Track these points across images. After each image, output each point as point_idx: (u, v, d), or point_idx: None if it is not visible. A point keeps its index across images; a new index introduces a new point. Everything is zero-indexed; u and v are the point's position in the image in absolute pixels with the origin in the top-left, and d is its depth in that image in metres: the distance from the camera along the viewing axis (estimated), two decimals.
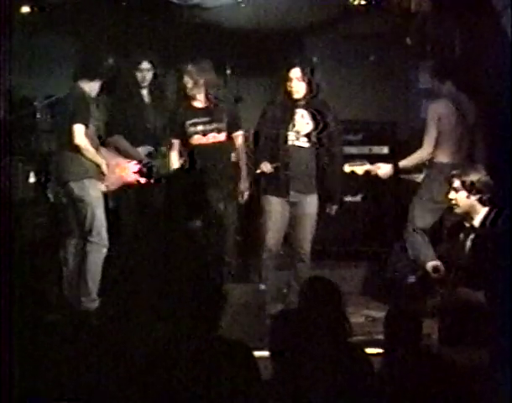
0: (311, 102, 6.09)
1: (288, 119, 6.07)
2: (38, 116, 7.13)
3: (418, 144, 6.52)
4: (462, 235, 5.19)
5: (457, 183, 5.15)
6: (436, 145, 6.25)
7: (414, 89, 7.69)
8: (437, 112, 6.27)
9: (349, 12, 7.55)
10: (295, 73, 6.02)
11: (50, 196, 6.91)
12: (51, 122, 6.94)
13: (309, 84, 6.04)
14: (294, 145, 6.08)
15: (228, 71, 7.82)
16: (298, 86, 6.03)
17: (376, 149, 7.66)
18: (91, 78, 6.13)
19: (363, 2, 7.14)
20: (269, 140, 6.10)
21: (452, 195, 5.16)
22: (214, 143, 6.33)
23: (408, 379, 3.41)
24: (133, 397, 3.36)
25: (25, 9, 7.00)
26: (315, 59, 7.90)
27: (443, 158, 6.25)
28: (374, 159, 7.15)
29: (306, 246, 6.18)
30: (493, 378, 3.76)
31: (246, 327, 5.13)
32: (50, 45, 7.85)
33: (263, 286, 5.80)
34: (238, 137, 6.42)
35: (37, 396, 3.19)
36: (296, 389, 3.43)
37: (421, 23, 7.33)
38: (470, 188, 5.08)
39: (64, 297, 6.00)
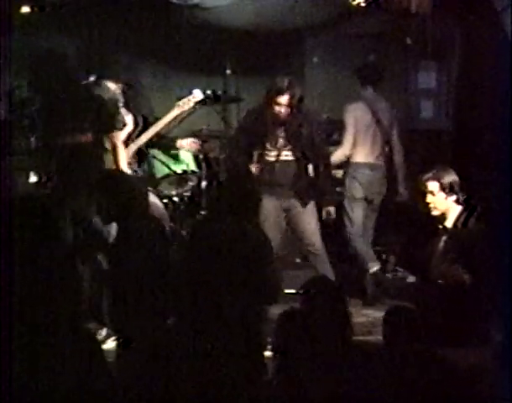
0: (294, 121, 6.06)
1: (270, 137, 6.10)
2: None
3: (418, 144, 6.55)
4: (437, 236, 5.19)
5: (433, 186, 5.12)
6: (353, 145, 6.65)
7: (414, 89, 7.69)
8: (353, 114, 6.66)
9: (349, 12, 7.54)
10: (284, 99, 6.00)
11: None
12: None
13: (294, 110, 6.02)
14: (279, 160, 6.12)
15: (228, 71, 7.83)
16: (284, 112, 6.02)
17: None
18: None
19: (362, 3, 7.13)
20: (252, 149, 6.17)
21: (430, 198, 5.13)
22: (77, 143, 5.80)
23: (407, 379, 3.41)
24: (134, 397, 3.36)
25: (25, 9, 7.00)
26: (315, 59, 7.93)
27: (359, 157, 6.66)
28: None
29: (316, 240, 6.21)
30: (493, 378, 3.76)
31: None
32: (50, 45, 7.85)
33: None
34: (114, 138, 5.88)
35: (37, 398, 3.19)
36: (298, 388, 3.43)
37: (421, 23, 7.34)
38: (448, 190, 5.07)
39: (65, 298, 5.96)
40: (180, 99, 7.63)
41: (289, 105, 6.00)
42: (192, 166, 7.43)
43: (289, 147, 6.11)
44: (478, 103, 6.57)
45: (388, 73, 7.80)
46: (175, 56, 8.09)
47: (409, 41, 7.53)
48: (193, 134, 7.75)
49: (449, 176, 5.14)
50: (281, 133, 6.11)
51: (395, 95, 7.85)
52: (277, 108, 6.03)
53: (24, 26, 7.01)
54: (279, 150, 6.11)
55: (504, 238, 4.79)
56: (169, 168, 7.23)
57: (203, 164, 7.63)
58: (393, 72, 7.85)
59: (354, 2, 7.16)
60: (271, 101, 6.04)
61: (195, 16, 7.49)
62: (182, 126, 7.79)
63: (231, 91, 7.97)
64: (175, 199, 7.49)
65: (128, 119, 6.38)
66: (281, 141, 6.11)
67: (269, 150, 6.13)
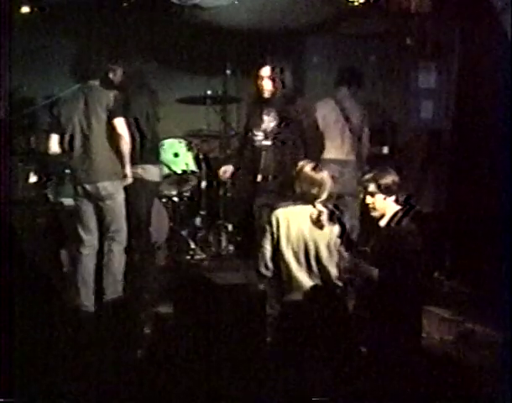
0: (280, 101, 5.93)
1: (257, 119, 5.99)
2: (38, 116, 7.15)
3: (417, 144, 6.54)
4: (373, 236, 5.22)
5: (372, 187, 5.13)
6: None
7: (414, 89, 7.69)
8: (321, 111, 6.66)
9: (349, 12, 7.54)
10: (266, 71, 5.92)
11: (50, 196, 6.91)
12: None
13: (277, 82, 5.89)
14: (262, 144, 5.96)
15: (228, 71, 7.83)
16: (268, 85, 5.92)
17: (376, 149, 7.66)
18: None
19: (362, 2, 7.13)
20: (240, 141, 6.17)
21: (369, 199, 5.15)
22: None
23: (408, 379, 3.41)
24: (131, 396, 3.36)
25: (25, 9, 7.01)
26: (315, 59, 7.93)
27: (329, 154, 6.57)
28: (374, 159, 7.16)
29: None
30: (494, 378, 3.76)
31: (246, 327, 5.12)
32: (50, 45, 7.86)
33: (263, 286, 5.80)
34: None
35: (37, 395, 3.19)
36: (297, 387, 3.43)
37: (421, 23, 7.34)
38: (386, 191, 5.08)
39: (64, 297, 5.98)
40: (180, 99, 7.66)
41: (272, 78, 5.88)
42: (192, 166, 7.44)
43: (277, 130, 5.90)
44: (478, 103, 6.57)
45: (388, 73, 7.84)
46: (175, 56, 8.10)
47: (409, 41, 7.53)
48: (193, 134, 7.77)
49: (388, 177, 5.14)
50: (269, 113, 5.96)
51: (395, 95, 7.87)
52: (259, 82, 5.93)
53: (24, 26, 7.02)
54: (265, 131, 5.93)
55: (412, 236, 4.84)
56: (170, 168, 7.24)
57: (203, 164, 7.65)
58: (393, 72, 7.86)
59: (355, 3, 7.16)
60: (256, 78, 5.95)
61: (195, 16, 7.49)
62: (182, 126, 7.82)
63: (231, 91, 7.98)
64: (175, 199, 7.50)
65: None
66: (270, 124, 5.95)
67: (256, 134, 5.98)
